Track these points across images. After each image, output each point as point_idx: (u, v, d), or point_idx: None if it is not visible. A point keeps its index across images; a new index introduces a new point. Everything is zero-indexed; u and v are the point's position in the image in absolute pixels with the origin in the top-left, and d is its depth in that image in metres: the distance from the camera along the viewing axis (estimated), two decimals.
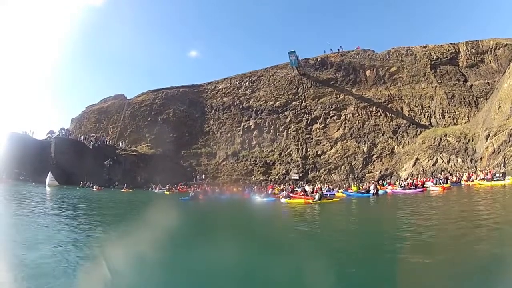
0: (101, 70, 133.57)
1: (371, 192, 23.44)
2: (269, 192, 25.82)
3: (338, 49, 51.43)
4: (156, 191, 36.88)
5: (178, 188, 38.34)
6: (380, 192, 24.58)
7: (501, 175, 21.92)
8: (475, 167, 35.67)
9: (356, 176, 42.75)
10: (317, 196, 18.93)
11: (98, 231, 9.12)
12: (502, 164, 33.15)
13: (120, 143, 47.24)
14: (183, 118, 49.58)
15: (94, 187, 33.72)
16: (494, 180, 21.62)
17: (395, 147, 43.96)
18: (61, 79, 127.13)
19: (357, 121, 45.71)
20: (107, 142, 46.05)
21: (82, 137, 45.35)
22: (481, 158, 36.19)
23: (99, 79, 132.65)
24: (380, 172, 42.37)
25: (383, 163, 43.26)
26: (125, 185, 36.54)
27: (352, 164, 43.54)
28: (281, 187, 31.49)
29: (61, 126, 50.38)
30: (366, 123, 45.63)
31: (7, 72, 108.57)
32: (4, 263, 5.42)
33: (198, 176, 43.91)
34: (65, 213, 13.09)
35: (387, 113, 46.02)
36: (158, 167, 44.52)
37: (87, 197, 23.46)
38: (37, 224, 9.06)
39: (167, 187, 36.42)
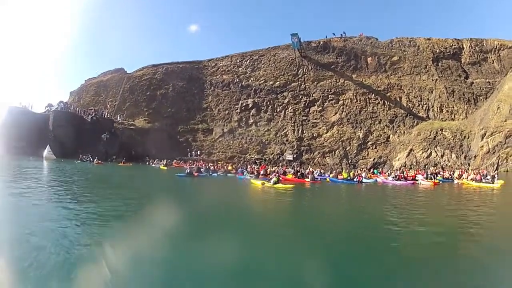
0: (102, 43, 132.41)
1: (356, 180, 23.95)
2: (261, 172, 25.75)
3: (341, 34, 51.17)
4: (153, 165, 37.09)
5: (174, 163, 38.62)
6: (367, 180, 25.08)
7: (490, 178, 21.30)
8: (468, 164, 35.99)
9: (350, 161, 43.11)
10: (272, 180, 18.88)
11: (104, 209, 9.14)
12: (496, 165, 33.51)
13: (118, 117, 47.34)
14: (182, 94, 49.59)
15: (94, 161, 33.63)
16: (483, 182, 21.10)
17: (391, 136, 44.24)
18: (62, 53, 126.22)
19: (355, 107, 45.85)
20: (105, 116, 46.09)
21: (80, 110, 45.32)
22: (475, 156, 36.47)
23: (100, 52, 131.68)
24: (373, 160, 42.73)
25: (377, 151, 43.60)
26: (123, 159, 36.70)
27: (347, 149, 43.88)
28: (273, 169, 31.39)
29: (60, 100, 50.24)
30: (364, 109, 45.78)
31: (6, 45, 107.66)
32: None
33: (193, 152, 44.20)
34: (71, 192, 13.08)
35: (386, 102, 46.14)
36: (154, 141, 44.82)
37: (91, 172, 23.50)
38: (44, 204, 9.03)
39: (164, 162, 36.76)
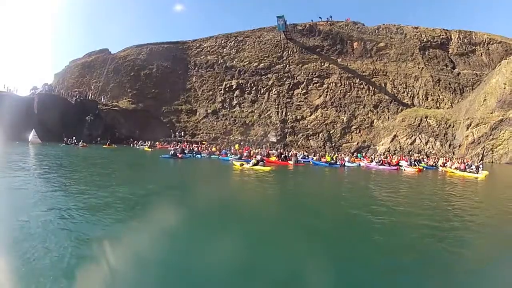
0: (87, 23, 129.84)
1: (338, 163, 24.38)
2: (245, 154, 25.73)
3: (328, 18, 51.03)
4: (137, 147, 36.81)
5: (158, 145, 38.29)
6: (350, 164, 25.44)
7: (475, 168, 20.97)
8: (453, 153, 36.54)
9: (333, 144, 43.34)
10: (252, 162, 19.07)
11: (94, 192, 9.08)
12: (480, 156, 34.01)
13: (102, 98, 46.56)
14: (166, 74, 48.99)
15: (80, 143, 33.17)
16: (467, 172, 20.78)
17: (375, 121, 44.64)
18: (46, 34, 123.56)
19: (339, 91, 46.01)
20: (89, 97, 45.34)
21: (65, 92, 44.43)
22: (459, 146, 37.05)
23: (84, 33, 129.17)
24: (357, 144, 43.12)
25: (361, 135, 43.98)
26: (108, 141, 36.33)
27: (331, 132, 44.13)
28: (256, 151, 31.31)
29: (45, 82, 49.16)
30: (348, 93, 46.01)
31: None
32: None
33: (177, 133, 43.82)
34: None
35: (370, 87, 46.43)
36: (138, 122, 44.28)
37: (79, 155, 22.98)
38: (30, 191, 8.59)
39: (148, 144, 36.62)
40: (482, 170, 20.59)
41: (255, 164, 18.35)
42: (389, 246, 5.77)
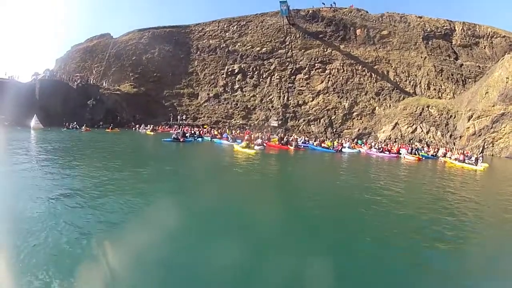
0: (89, 8, 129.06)
1: (335, 149, 24.76)
2: (246, 138, 26.11)
3: (331, 4, 50.72)
4: (140, 131, 36.97)
5: (160, 128, 38.35)
6: (351, 150, 25.83)
7: (474, 160, 20.63)
8: (454, 143, 36.42)
9: (335, 130, 43.30)
10: (241, 144, 20.02)
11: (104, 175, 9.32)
12: (481, 148, 33.92)
13: (104, 82, 46.54)
14: (168, 58, 48.82)
15: (83, 128, 33.11)
16: (466, 163, 20.54)
17: (376, 108, 44.54)
18: (47, 20, 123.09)
19: (341, 77, 45.86)
20: (91, 82, 45.34)
21: (66, 77, 44.39)
22: (460, 137, 36.89)
23: (86, 17, 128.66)
24: (358, 130, 43.13)
25: (362, 122, 43.92)
26: (111, 125, 36.37)
27: (332, 118, 44.10)
28: (257, 135, 31.51)
29: (46, 68, 49.13)
30: (350, 80, 45.87)
31: None
32: None
33: (179, 116, 43.83)
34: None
35: (372, 74, 46.26)
36: (140, 106, 44.28)
37: (82, 139, 22.96)
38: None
39: (150, 128, 36.70)
40: (481, 162, 20.42)
41: (244, 147, 19.00)
42: (379, 233, 5.83)
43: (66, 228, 4.92)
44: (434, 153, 27.90)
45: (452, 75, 45.34)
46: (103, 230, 5.07)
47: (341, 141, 32.41)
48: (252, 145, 20.68)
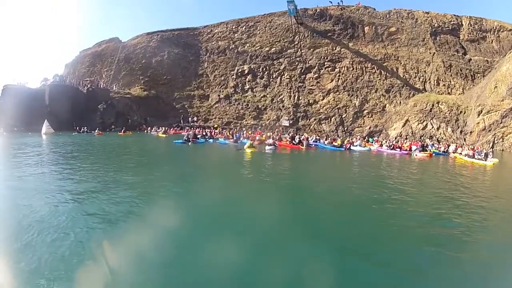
0: (96, 13, 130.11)
1: (343, 147, 25.00)
2: (257, 138, 26.35)
3: (338, 3, 50.65)
4: (151, 133, 37.32)
5: (171, 130, 38.71)
6: (361, 148, 26.12)
7: (483, 155, 20.42)
8: (464, 139, 36.20)
9: (346, 128, 43.26)
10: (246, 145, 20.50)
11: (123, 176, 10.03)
12: (491, 143, 33.73)
13: (114, 86, 46.88)
14: (178, 61, 49.07)
15: (95, 131, 33.58)
16: (475, 159, 20.54)
17: (387, 105, 44.36)
18: (55, 26, 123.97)
19: (351, 75, 45.76)
20: (101, 86, 45.67)
21: (76, 82, 44.79)
22: (471, 132, 36.66)
23: (94, 22, 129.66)
24: (369, 128, 43.00)
25: (373, 119, 43.78)
26: (123, 128, 36.64)
27: (343, 116, 44.03)
28: (268, 134, 31.65)
29: (55, 73, 49.58)
30: (360, 78, 45.75)
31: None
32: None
33: (190, 118, 44.08)
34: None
35: (382, 71, 46.07)
36: (151, 109, 44.55)
37: (96, 143, 23.42)
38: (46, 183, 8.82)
39: (162, 130, 36.95)
40: (491, 157, 20.16)
41: (248, 147, 19.41)
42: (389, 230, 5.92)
43: (75, 228, 5.18)
44: (445, 149, 27.74)
45: (461, 70, 45.04)
46: (112, 229, 5.28)
47: (352, 139, 32.47)
48: (256, 145, 21.17)
